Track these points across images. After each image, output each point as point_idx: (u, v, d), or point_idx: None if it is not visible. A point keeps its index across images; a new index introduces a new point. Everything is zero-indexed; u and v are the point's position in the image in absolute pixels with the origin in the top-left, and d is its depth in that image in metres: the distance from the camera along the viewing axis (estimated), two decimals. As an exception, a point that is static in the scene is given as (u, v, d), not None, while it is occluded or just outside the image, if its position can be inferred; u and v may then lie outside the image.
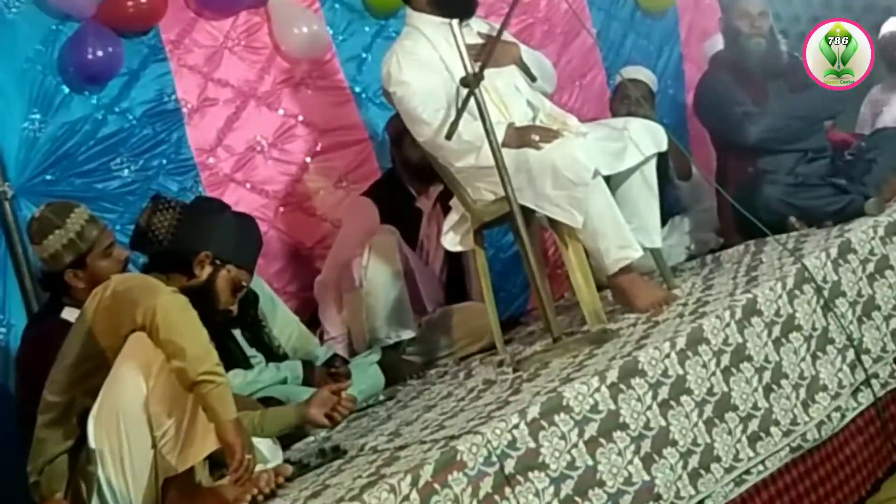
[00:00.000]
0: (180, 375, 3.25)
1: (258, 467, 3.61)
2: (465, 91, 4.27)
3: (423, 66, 4.61)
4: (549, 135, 4.44)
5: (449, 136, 4.28)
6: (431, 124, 4.51)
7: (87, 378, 3.37)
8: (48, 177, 4.87)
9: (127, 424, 3.24)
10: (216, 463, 3.50)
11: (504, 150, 4.29)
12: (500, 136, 4.34)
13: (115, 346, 3.30)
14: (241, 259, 3.81)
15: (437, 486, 3.15)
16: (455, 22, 4.42)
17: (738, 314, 3.94)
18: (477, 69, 4.27)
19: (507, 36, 4.79)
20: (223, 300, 3.75)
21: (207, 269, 3.72)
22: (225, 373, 3.35)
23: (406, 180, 5.48)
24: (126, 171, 5.09)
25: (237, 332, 4.64)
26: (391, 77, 4.65)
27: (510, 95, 4.65)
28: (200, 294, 3.64)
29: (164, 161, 5.22)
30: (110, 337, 3.32)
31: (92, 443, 3.28)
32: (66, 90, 5.00)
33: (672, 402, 3.67)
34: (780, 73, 5.52)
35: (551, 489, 3.34)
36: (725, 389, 3.80)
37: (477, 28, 4.72)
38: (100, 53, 4.98)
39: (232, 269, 3.76)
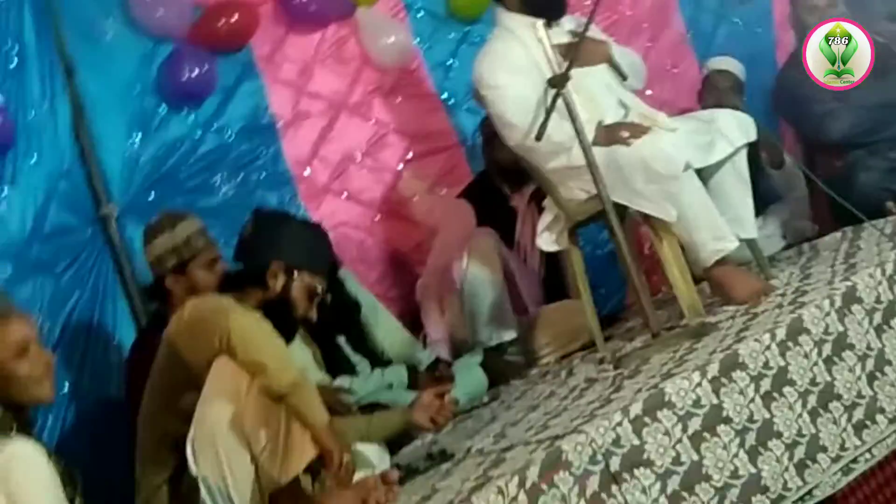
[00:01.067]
0: (267, 390, 3.30)
1: (366, 473, 3.69)
2: (553, 91, 4.30)
3: (515, 69, 4.61)
4: (639, 130, 4.43)
5: (538, 138, 4.29)
6: (521, 128, 4.51)
7: (176, 405, 3.42)
8: (151, 196, 4.99)
9: (225, 448, 3.27)
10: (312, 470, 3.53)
11: (594, 149, 4.29)
12: (589, 135, 4.36)
13: (199, 371, 3.33)
14: (313, 265, 3.81)
15: (544, 486, 3.18)
16: (540, 23, 4.44)
17: (838, 302, 3.90)
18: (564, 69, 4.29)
19: (597, 34, 4.78)
20: (301, 308, 3.76)
21: (281, 280, 3.73)
22: (308, 378, 3.40)
23: (499, 181, 5.52)
24: (226, 186, 5.21)
25: (342, 340, 4.72)
26: (483, 80, 4.68)
27: (600, 94, 4.63)
28: (278, 305, 3.68)
29: (263, 175, 5.33)
30: (192, 362, 3.36)
31: (193, 470, 3.31)
32: (165, 110, 5.12)
33: (775, 394, 3.65)
34: None
35: (658, 485, 3.36)
36: (828, 379, 3.77)
37: (568, 27, 4.70)
38: (195, 73, 5.11)
39: (305, 276, 3.76)
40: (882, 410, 3.84)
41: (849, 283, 3.98)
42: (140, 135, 5.03)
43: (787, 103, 5.67)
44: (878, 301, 3.99)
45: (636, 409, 3.42)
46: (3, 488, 2.99)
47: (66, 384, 4.67)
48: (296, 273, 3.76)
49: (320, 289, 3.83)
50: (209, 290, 4.16)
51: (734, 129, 4.60)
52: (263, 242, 3.83)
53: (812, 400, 3.72)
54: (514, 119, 4.55)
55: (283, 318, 3.59)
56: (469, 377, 4.80)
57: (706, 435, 3.49)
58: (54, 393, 3.38)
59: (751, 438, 3.56)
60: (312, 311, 3.81)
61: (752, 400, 3.61)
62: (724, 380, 3.58)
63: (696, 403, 3.51)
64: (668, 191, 4.29)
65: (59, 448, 4.13)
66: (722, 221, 4.43)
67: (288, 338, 3.55)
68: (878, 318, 3.97)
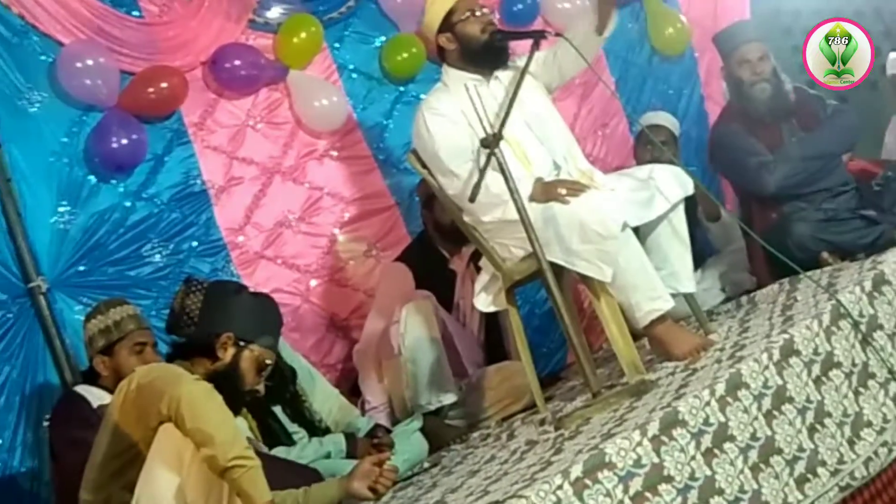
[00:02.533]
0: (211, 462, 3.24)
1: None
2: (486, 151, 4.27)
3: (449, 121, 4.62)
4: (576, 188, 4.41)
5: (472, 199, 4.27)
6: (460, 176, 4.51)
7: (120, 473, 3.37)
8: (81, 268, 4.93)
9: None
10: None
11: (530, 205, 4.28)
12: (526, 190, 4.34)
13: (145, 439, 3.29)
14: (263, 337, 3.81)
15: (484, 554, 3.14)
16: (472, 84, 4.44)
17: (776, 355, 3.90)
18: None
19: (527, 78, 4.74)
20: (249, 381, 3.75)
21: (230, 351, 3.73)
22: (255, 455, 3.34)
23: (438, 242, 5.48)
24: (157, 256, 5.14)
25: (278, 409, 4.65)
26: (420, 132, 4.68)
27: (534, 150, 4.63)
28: (226, 377, 3.66)
29: (195, 243, 5.27)
30: (139, 430, 3.31)
31: None
32: (94, 180, 5.06)
33: (716, 451, 3.63)
34: (789, 114, 5.45)
35: (599, 549, 3.31)
36: (769, 433, 3.76)
37: (506, 81, 4.72)
38: (124, 141, 5.05)
39: (255, 349, 3.76)
40: (823, 463, 3.84)
41: (786, 336, 3.99)
42: (69, 206, 4.96)
43: (722, 157, 5.68)
44: (815, 353, 4.00)
45: (576, 471, 3.38)
46: None
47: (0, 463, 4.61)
48: (246, 345, 3.74)
49: (269, 361, 3.81)
50: None
51: (672, 184, 4.60)
52: (214, 313, 3.81)
53: (753, 455, 3.71)
54: (451, 166, 4.55)
55: (231, 390, 3.56)
56: (409, 443, 4.74)
57: (648, 495, 3.46)
58: None
59: (692, 497, 3.53)
60: (260, 383, 3.80)
61: (693, 457, 3.59)
62: (664, 438, 3.56)
63: (637, 463, 3.48)
64: (604, 251, 4.26)
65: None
66: (658, 281, 4.41)
67: (235, 410, 3.50)
68: (816, 370, 3.98)
